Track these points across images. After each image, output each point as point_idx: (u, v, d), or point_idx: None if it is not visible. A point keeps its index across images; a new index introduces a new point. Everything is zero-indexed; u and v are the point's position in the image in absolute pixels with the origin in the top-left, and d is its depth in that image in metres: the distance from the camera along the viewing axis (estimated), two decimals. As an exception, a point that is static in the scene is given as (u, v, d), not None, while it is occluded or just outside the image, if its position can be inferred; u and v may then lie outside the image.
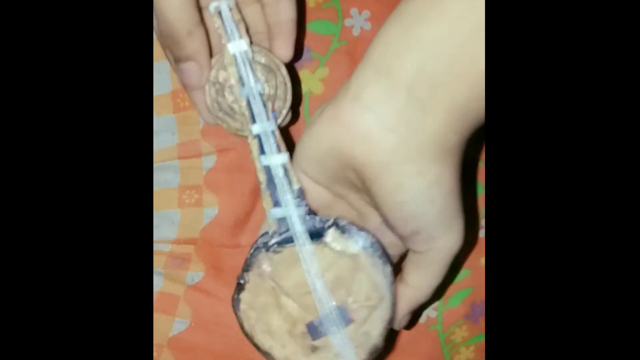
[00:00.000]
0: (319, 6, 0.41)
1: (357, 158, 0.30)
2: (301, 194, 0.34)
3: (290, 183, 0.34)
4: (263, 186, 0.34)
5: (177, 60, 0.34)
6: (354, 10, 0.41)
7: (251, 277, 0.34)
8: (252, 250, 0.34)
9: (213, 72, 0.35)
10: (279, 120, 0.35)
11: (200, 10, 0.34)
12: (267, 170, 0.34)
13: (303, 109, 0.41)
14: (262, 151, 0.34)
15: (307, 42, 0.41)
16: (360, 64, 0.31)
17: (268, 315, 0.34)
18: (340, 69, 0.41)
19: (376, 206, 0.32)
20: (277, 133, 0.34)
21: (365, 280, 0.33)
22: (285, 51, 0.35)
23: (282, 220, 0.34)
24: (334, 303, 0.33)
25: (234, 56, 0.34)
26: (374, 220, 0.34)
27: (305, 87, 0.41)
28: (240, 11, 0.35)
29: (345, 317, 0.33)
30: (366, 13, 0.41)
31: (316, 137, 0.32)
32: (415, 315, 0.37)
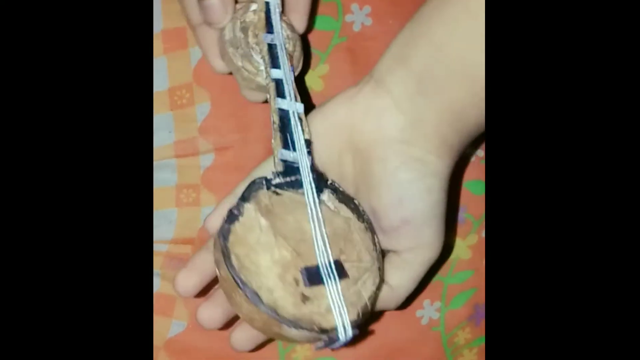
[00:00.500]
0: (320, 1, 0.40)
1: (366, 133, 0.33)
2: (309, 146, 0.34)
3: (303, 131, 0.34)
4: (275, 126, 0.34)
5: None
6: (354, 6, 0.40)
7: (247, 210, 0.33)
8: (250, 184, 0.34)
9: (240, 12, 0.35)
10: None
11: None
12: (282, 113, 0.34)
13: (303, 106, 0.40)
14: (279, 95, 0.34)
15: (307, 38, 0.40)
16: (383, 56, 0.33)
17: (258, 254, 0.32)
18: (341, 65, 0.40)
19: (370, 191, 0.33)
20: (294, 84, 0.35)
21: (357, 242, 0.34)
22: (300, 24, 0.37)
23: (287, 165, 0.34)
24: (332, 254, 0.33)
25: (267, 2, 0.35)
26: None
27: (305, 85, 0.40)
28: None
29: (340, 271, 0.33)
30: (367, 8, 0.40)
31: (330, 112, 0.34)
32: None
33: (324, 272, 0.32)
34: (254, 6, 0.36)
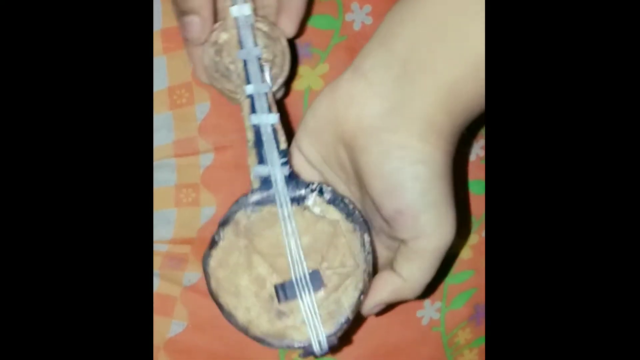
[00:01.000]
0: (320, 0, 0.40)
1: (349, 122, 0.32)
2: (287, 155, 0.34)
3: (277, 143, 0.34)
4: (250, 144, 0.35)
5: (181, 14, 0.35)
6: (354, 5, 0.40)
7: (226, 234, 0.34)
8: (231, 207, 0.34)
9: (214, 34, 0.36)
10: (274, 88, 0.36)
11: None
12: (256, 129, 0.35)
13: (302, 106, 0.40)
14: (253, 111, 0.35)
15: (307, 37, 0.40)
16: (368, 42, 0.32)
17: (237, 275, 0.34)
18: (341, 64, 0.40)
19: (363, 183, 0.33)
20: (270, 96, 0.35)
21: (341, 246, 0.34)
22: (290, 27, 0.36)
23: (264, 180, 0.34)
24: (307, 266, 0.33)
25: (236, 18, 0.35)
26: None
27: (305, 84, 0.40)
28: None
29: (317, 281, 0.33)
30: (367, 7, 0.40)
31: (317, 106, 0.34)
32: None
33: (298, 286, 0.33)
34: (227, 23, 0.36)
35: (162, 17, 0.39)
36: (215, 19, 0.36)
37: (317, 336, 0.33)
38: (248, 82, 0.35)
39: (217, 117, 0.39)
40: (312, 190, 0.34)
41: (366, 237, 0.34)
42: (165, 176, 0.40)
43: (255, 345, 0.40)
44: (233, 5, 0.35)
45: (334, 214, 0.34)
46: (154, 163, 0.39)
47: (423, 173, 0.31)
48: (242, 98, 0.35)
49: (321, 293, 0.33)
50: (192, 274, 0.40)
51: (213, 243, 0.34)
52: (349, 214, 0.34)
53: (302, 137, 0.35)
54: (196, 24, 0.35)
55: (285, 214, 0.34)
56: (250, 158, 0.35)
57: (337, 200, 0.34)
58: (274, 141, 0.34)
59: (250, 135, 0.35)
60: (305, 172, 0.35)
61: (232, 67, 0.36)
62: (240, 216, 0.34)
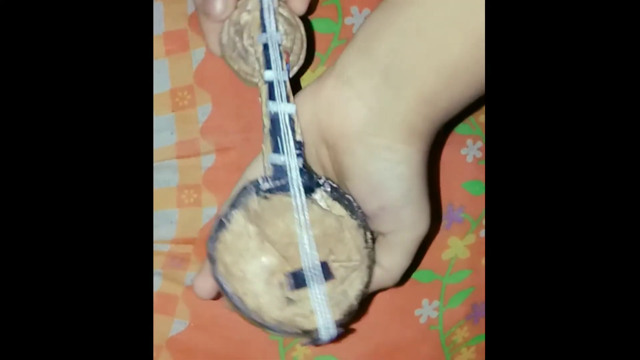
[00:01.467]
0: (320, 4, 0.40)
1: (333, 127, 0.33)
2: (302, 147, 0.34)
3: (294, 133, 0.34)
4: (266, 130, 0.34)
5: None
6: (354, 9, 0.40)
7: (235, 217, 0.34)
8: (240, 190, 0.34)
9: (236, 13, 0.35)
10: (290, 75, 0.35)
11: None
12: (273, 116, 0.34)
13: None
14: (271, 97, 0.34)
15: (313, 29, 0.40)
16: (346, 47, 0.33)
17: (246, 260, 0.33)
18: (341, 67, 0.40)
19: (346, 181, 0.34)
20: (288, 84, 0.35)
21: (348, 241, 0.34)
22: (300, 5, 0.36)
23: (277, 168, 0.34)
24: (318, 257, 0.34)
25: (260, 0, 0.35)
26: None
27: (305, 85, 0.40)
28: None
29: (326, 273, 0.34)
30: (367, 11, 0.41)
31: (299, 111, 0.34)
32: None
33: (308, 275, 0.33)
34: (249, 5, 0.35)
35: (164, 21, 0.39)
36: None
37: (327, 323, 0.33)
38: (268, 67, 0.35)
39: (219, 118, 0.40)
40: (320, 185, 0.34)
41: (368, 234, 0.34)
42: (167, 177, 0.40)
43: (257, 343, 0.41)
44: None
45: (339, 210, 0.34)
46: (157, 164, 0.40)
47: (406, 172, 0.33)
48: (260, 83, 0.35)
49: (329, 284, 0.34)
50: (194, 274, 0.40)
51: (221, 225, 0.34)
52: (353, 211, 0.34)
53: None
54: (218, 1, 0.34)
55: (299, 204, 0.34)
56: (265, 145, 0.34)
57: (341, 197, 0.34)
58: (291, 131, 0.34)
59: (267, 122, 0.34)
60: None
61: (250, 49, 0.35)
62: (251, 202, 0.34)
